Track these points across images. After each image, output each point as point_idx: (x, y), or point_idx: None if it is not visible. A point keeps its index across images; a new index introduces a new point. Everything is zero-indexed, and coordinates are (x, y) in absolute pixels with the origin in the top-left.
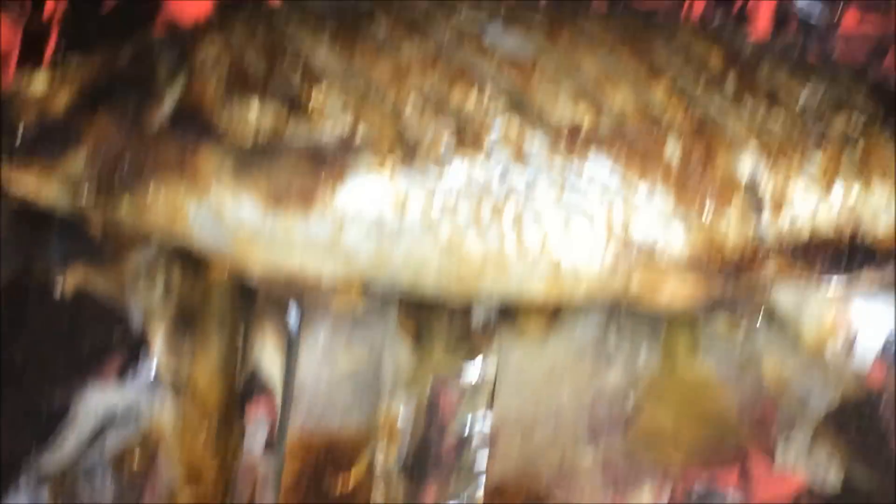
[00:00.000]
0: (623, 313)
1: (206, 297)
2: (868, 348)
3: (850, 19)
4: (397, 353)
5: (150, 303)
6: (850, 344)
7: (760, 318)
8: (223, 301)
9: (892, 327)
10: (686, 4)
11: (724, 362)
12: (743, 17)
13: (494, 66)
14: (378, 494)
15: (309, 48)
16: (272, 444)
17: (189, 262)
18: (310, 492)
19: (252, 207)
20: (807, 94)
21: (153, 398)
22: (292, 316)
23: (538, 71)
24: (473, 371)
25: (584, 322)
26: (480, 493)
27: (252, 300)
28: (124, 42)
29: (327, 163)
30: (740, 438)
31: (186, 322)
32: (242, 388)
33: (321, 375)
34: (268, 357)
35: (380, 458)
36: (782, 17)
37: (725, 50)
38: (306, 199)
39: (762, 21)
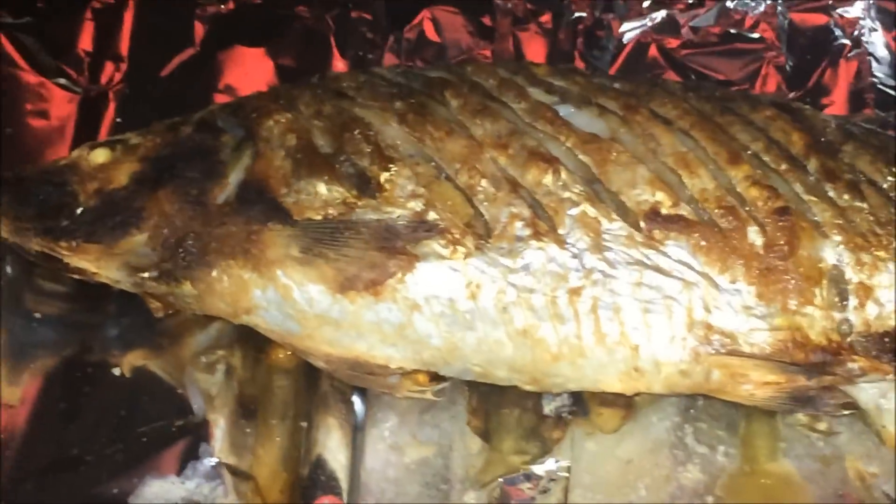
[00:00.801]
0: (700, 408)
1: (269, 384)
2: None
3: None
4: (467, 446)
5: (211, 389)
6: None
7: (843, 415)
8: (286, 389)
9: None
10: (759, 81)
11: (805, 461)
12: (819, 90)
13: (569, 147)
14: None
15: (378, 126)
16: None
17: (250, 346)
18: None
19: (320, 291)
20: (891, 181)
21: (215, 491)
22: (357, 406)
23: (614, 152)
24: (545, 468)
25: (659, 417)
26: None
27: (316, 389)
28: (186, 113)
29: (397, 248)
30: None
31: (248, 410)
32: (306, 482)
33: (388, 468)
34: (333, 448)
35: None
36: (859, 91)
37: (806, 131)
38: (376, 283)
39: (839, 94)
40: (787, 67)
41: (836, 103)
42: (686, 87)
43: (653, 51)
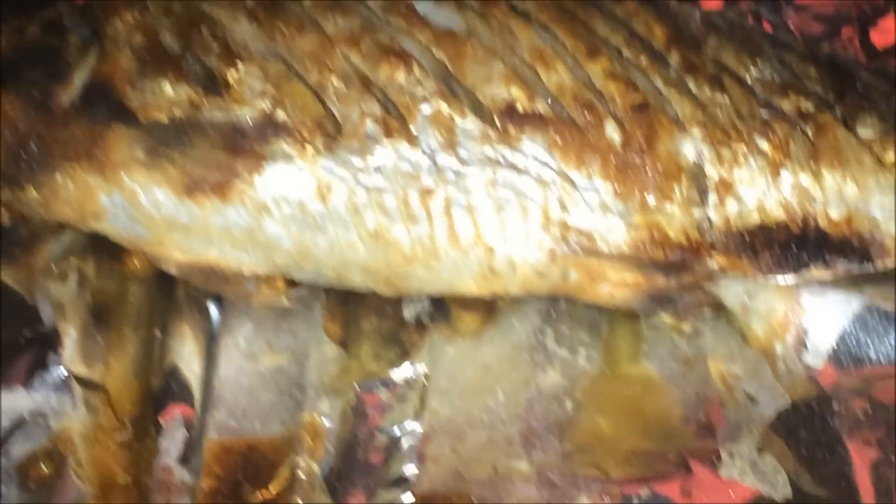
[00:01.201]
0: (562, 311)
1: (123, 293)
2: (820, 346)
3: None
4: (322, 353)
5: (62, 298)
6: (801, 341)
7: (706, 315)
8: (140, 297)
9: (845, 323)
10: None
11: (668, 362)
12: None
13: (424, 43)
14: None
15: (227, 23)
16: (188, 451)
17: (105, 254)
18: (228, 501)
19: (166, 195)
20: (755, 74)
21: (63, 402)
22: (213, 313)
23: (470, 47)
24: (403, 374)
25: (521, 320)
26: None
27: (171, 297)
28: (32, 13)
29: (245, 148)
30: (684, 445)
31: (101, 319)
32: (158, 391)
33: (242, 377)
34: (186, 357)
35: (302, 466)
36: None
37: (670, 25)
38: (223, 186)
39: None
40: None
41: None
42: None
43: None
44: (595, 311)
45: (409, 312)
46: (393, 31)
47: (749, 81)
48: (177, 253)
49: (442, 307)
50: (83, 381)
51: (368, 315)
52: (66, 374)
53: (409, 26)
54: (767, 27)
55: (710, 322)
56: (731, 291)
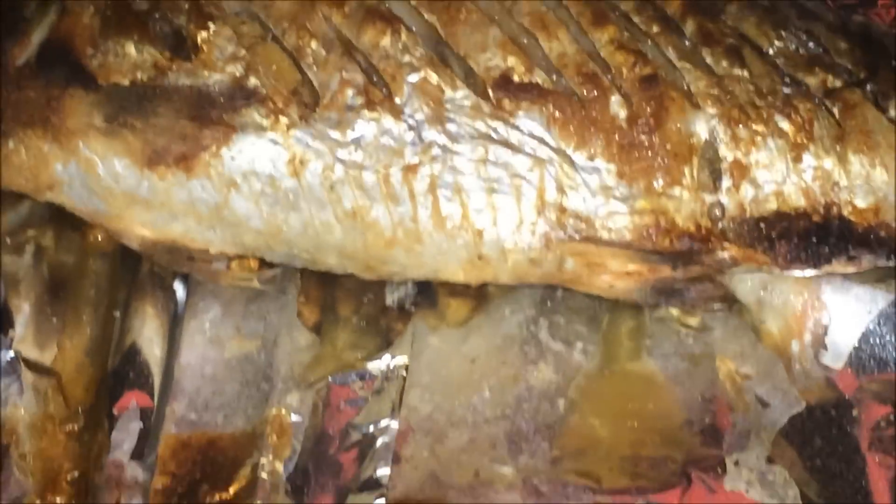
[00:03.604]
0: (558, 301)
1: (82, 268)
2: (841, 346)
3: None
4: (294, 341)
5: (17, 272)
6: (820, 340)
7: (717, 309)
8: (101, 273)
9: (869, 322)
10: None
11: (672, 360)
12: None
13: (414, 6)
14: None
15: None
16: (143, 445)
17: (66, 225)
18: (183, 502)
19: (126, 166)
20: (778, 46)
21: (9, 388)
22: (178, 293)
23: (464, 11)
24: (381, 366)
25: (513, 309)
26: None
27: (134, 273)
28: None
29: (212, 118)
30: (685, 453)
31: (57, 296)
32: (114, 377)
33: (206, 364)
34: (147, 340)
35: (265, 465)
36: None
37: None
38: (188, 157)
39: None
40: None
41: None
42: None
43: None
44: (595, 301)
45: (391, 297)
46: None
47: (771, 54)
48: (138, 228)
49: (428, 293)
50: (33, 366)
51: (347, 299)
52: (14, 356)
53: None
54: None
55: (721, 317)
56: (745, 284)
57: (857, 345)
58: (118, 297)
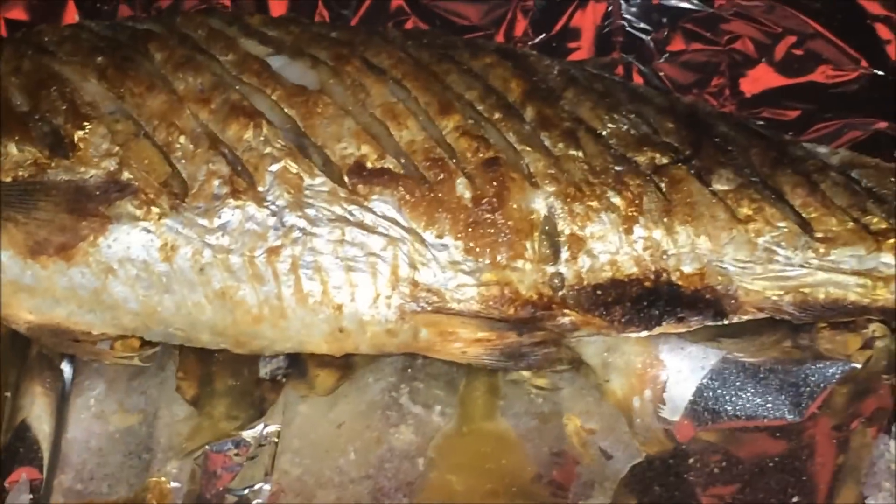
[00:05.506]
0: (418, 367)
1: None
2: (678, 400)
3: (678, 43)
4: (173, 413)
5: None
6: (658, 396)
7: (563, 370)
8: None
9: (702, 377)
10: (504, 25)
11: (523, 418)
12: (566, 35)
13: (275, 100)
14: None
15: (77, 82)
16: None
17: None
18: None
19: (10, 257)
20: (611, 128)
21: None
22: (65, 373)
23: (321, 104)
24: (255, 433)
25: (376, 377)
26: None
27: (24, 357)
28: None
29: (89, 210)
30: (536, 503)
31: None
32: (5, 454)
33: (91, 438)
34: (36, 418)
35: None
36: (607, 35)
37: (527, 80)
38: (67, 247)
39: (586, 38)
40: (536, 11)
41: (584, 48)
42: (407, 35)
43: None
44: (454, 367)
45: (264, 370)
46: (244, 89)
47: (604, 135)
48: (24, 314)
49: (298, 364)
50: None
51: (223, 374)
52: None
53: (261, 83)
54: (638, 78)
55: (568, 377)
56: (590, 347)
57: (692, 398)
58: (9, 379)
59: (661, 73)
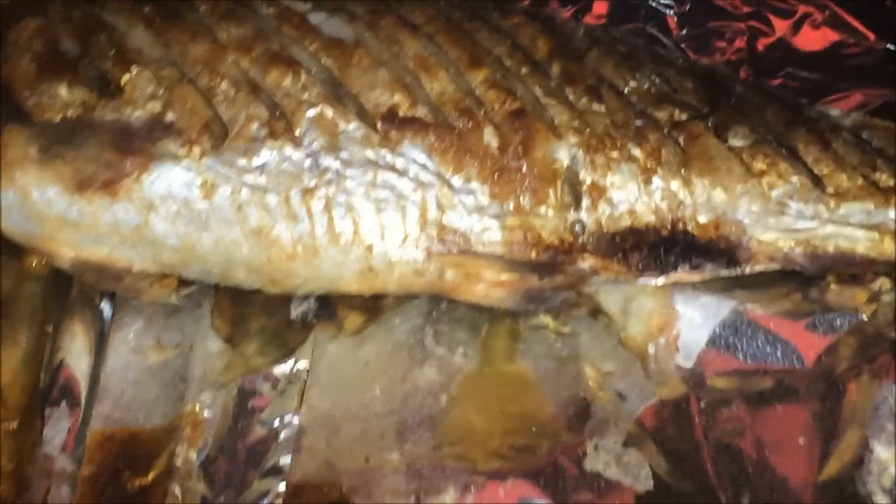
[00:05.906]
0: (443, 311)
1: (18, 290)
2: (690, 348)
3: (699, 17)
4: (208, 349)
5: None
6: (673, 343)
7: (583, 317)
8: (35, 295)
9: (714, 326)
10: None
11: (542, 361)
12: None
13: (313, 51)
14: (176, 491)
15: (125, 29)
16: (72, 440)
17: (8, 253)
18: (107, 488)
19: (58, 192)
20: (632, 86)
21: None
22: (105, 312)
23: (357, 56)
24: (285, 369)
25: (403, 319)
26: (282, 493)
27: (65, 295)
28: None
29: (134, 148)
30: (553, 440)
31: None
32: (46, 385)
33: (129, 371)
34: (75, 355)
35: (180, 454)
36: (630, 10)
37: (553, 39)
38: (112, 182)
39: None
40: None
41: (607, 21)
42: None
43: None
44: (476, 312)
45: (295, 312)
46: (284, 40)
47: (626, 92)
48: (68, 250)
49: (328, 306)
50: None
51: (257, 314)
52: None
53: (300, 35)
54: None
55: (587, 324)
56: (611, 297)
57: (704, 346)
58: (50, 315)
59: (682, 46)
